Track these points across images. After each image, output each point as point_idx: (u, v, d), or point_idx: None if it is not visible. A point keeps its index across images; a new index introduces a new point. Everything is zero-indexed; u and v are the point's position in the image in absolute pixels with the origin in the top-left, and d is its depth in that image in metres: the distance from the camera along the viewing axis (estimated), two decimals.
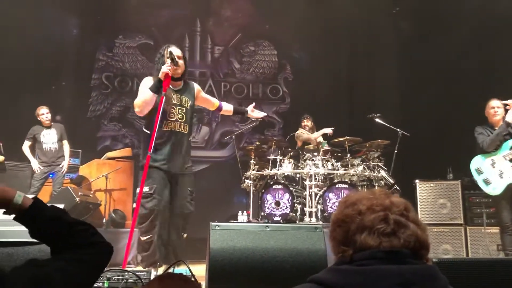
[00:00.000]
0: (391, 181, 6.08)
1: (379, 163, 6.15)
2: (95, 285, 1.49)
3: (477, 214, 5.72)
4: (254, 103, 4.73)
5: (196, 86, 4.34)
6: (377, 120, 6.47)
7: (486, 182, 4.73)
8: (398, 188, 6.10)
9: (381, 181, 6.10)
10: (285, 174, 6.27)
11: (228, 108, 4.68)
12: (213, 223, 2.38)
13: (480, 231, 5.59)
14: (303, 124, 7.12)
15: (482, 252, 5.48)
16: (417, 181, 5.96)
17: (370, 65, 8.28)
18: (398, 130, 6.33)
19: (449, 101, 6.97)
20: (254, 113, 4.67)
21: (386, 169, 6.20)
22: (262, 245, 2.36)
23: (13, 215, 1.36)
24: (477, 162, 4.84)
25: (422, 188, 5.92)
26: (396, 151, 6.29)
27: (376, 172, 6.08)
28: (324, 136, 6.82)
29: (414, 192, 5.93)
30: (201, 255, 3.73)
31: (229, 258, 2.29)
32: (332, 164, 6.16)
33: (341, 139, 6.21)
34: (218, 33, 9.07)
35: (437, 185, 5.89)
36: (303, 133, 6.98)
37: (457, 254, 5.57)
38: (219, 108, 4.58)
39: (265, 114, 4.93)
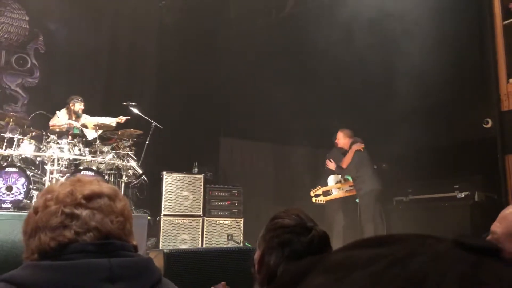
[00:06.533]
0: (140, 171, 6.08)
1: (129, 153, 6.07)
2: None
3: (214, 206, 6.24)
4: None
5: None
6: (132, 109, 6.39)
7: None
8: (146, 179, 6.15)
9: (130, 171, 6.03)
10: (23, 156, 5.58)
11: None
12: None
13: (215, 222, 6.11)
14: (71, 105, 6.38)
15: (215, 241, 6.00)
16: (164, 172, 6.11)
17: (131, 52, 8.12)
18: (152, 121, 6.39)
19: (197, 101, 7.35)
20: None
21: (136, 159, 6.17)
22: None
23: None
24: None
25: (168, 180, 6.10)
26: (148, 142, 6.34)
27: (125, 161, 5.98)
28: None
29: (161, 183, 6.08)
30: None
31: None
32: (80, 150, 5.77)
33: (93, 124, 5.92)
34: None
35: (182, 178, 6.17)
36: (58, 116, 6.28)
37: (194, 244, 5.94)
38: None
39: None
